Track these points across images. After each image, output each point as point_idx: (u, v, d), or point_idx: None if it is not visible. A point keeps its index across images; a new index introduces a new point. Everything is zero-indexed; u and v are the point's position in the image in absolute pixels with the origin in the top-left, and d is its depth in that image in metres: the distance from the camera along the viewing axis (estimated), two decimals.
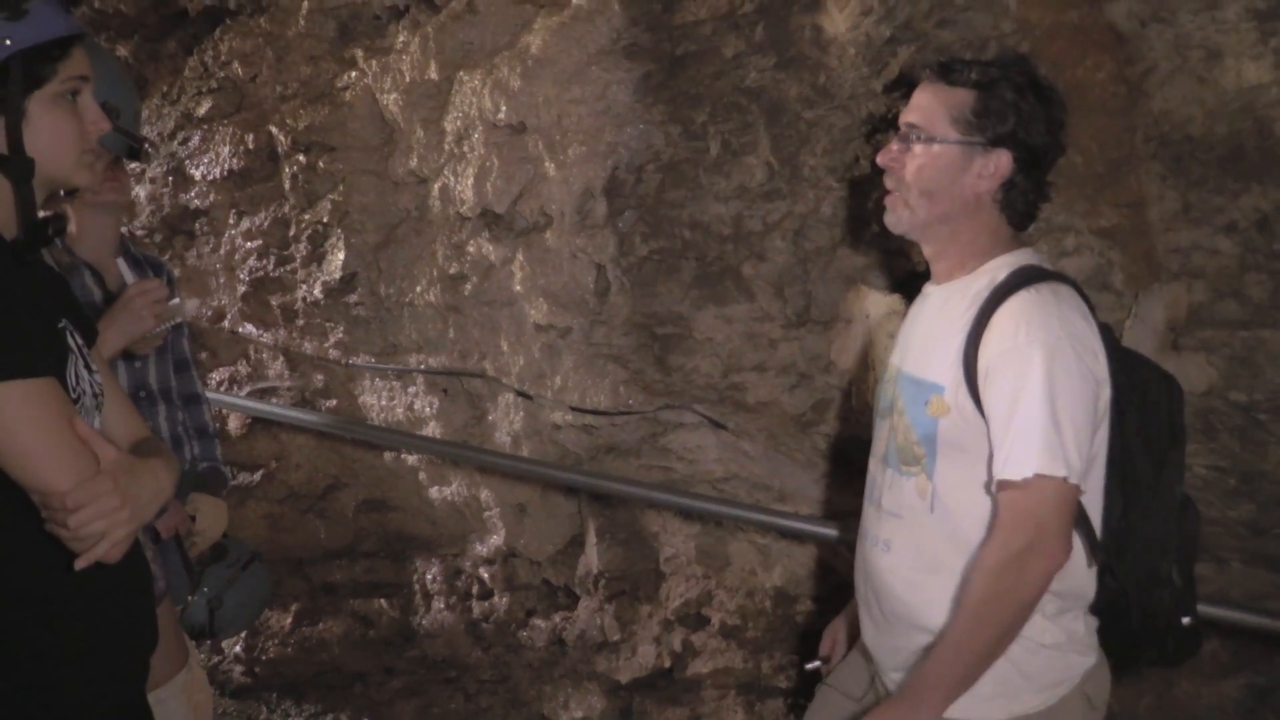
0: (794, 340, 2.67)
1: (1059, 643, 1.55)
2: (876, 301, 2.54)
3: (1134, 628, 1.61)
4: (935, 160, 1.57)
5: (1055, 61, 1.98)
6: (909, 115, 1.61)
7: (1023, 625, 1.49)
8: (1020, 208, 1.61)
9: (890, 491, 1.67)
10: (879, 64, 2.26)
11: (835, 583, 3.04)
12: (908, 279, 2.49)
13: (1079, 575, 1.57)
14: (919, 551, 1.61)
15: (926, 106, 1.59)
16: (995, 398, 1.48)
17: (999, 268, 1.59)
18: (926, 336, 1.64)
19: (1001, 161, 1.57)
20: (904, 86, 2.26)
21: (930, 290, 1.71)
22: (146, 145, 2.31)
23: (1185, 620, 1.64)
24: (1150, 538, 1.59)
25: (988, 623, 1.46)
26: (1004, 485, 1.47)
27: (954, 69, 1.59)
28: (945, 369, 1.56)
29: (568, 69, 2.65)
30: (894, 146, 1.62)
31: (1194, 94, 1.92)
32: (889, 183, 1.63)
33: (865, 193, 2.42)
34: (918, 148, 1.58)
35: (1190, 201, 1.97)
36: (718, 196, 2.57)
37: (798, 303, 2.60)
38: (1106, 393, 1.53)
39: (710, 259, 2.65)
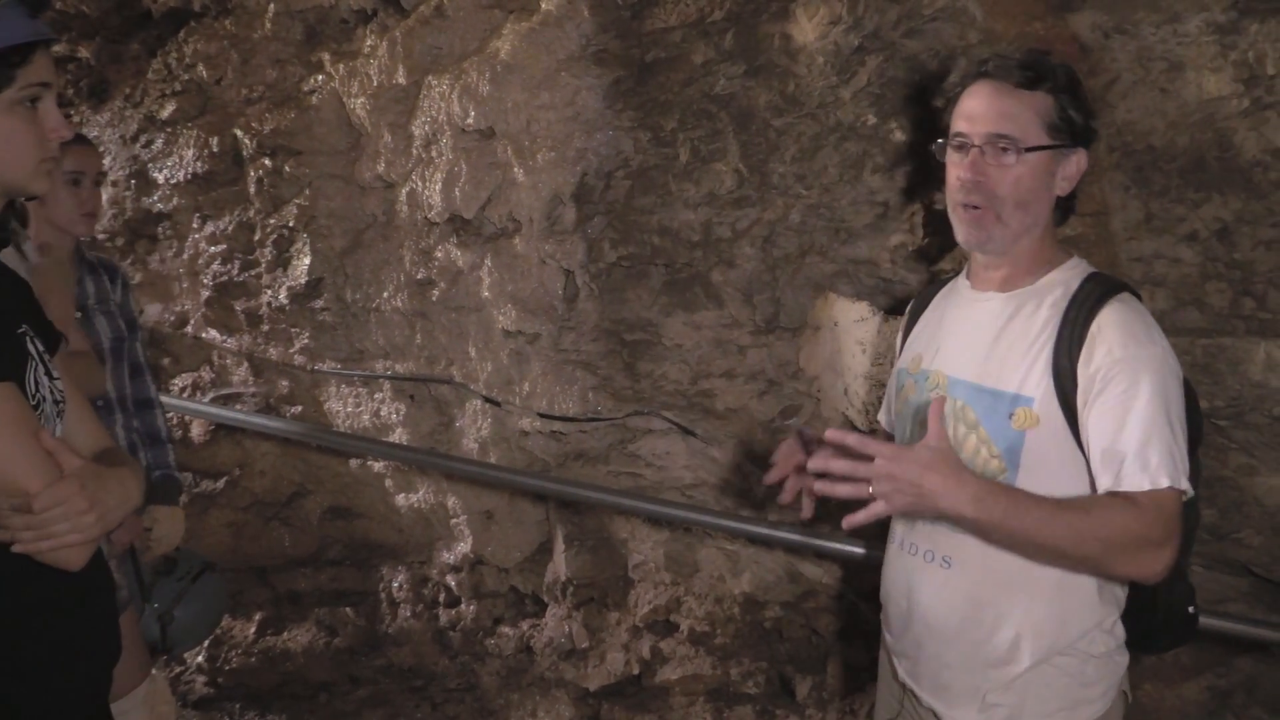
0: (763, 347, 2.67)
1: (1109, 650, 1.57)
2: (845, 308, 2.56)
3: (1158, 622, 1.61)
4: (1033, 170, 1.51)
5: None
6: (997, 125, 1.51)
7: (1074, 572, 1.47)
8: (1068, 204, 1.60)
9: None
10: (847, 73, 2.27)
11: (804, 589, 3.04)
12: (875, 286, 2.51)
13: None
14: (988, 568, 1.53)
15: (1016, 114, 1.50)
16: (1107, 408, 1.43)
17: (1068, 276, 1.56)
18: (992, 344, 1.56)
19: (1081, 161, 1.55)
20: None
21: (980, 295, 1.63)
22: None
23: (1190, 609, 1.66)
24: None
25: (1067, 539, 1.38)
26: (1128, 496, 1.40)
27: (1033, 73, 1.52)
28: (1032, 380, 1.49)
29: (537, 75, 2.64)
30: (981, 158, 1.52)
31: (1156, 105, 1.95)
32: (975, 198, 1.52)
33: (841, 202, 2.43)
34: (1011, 158, 1.50)
35: (1152, 211, 2.00)
36: (687, 203, 2.57)
37: (766, 309, 2.61)
38: None
39: (679, 265, 2.65)
